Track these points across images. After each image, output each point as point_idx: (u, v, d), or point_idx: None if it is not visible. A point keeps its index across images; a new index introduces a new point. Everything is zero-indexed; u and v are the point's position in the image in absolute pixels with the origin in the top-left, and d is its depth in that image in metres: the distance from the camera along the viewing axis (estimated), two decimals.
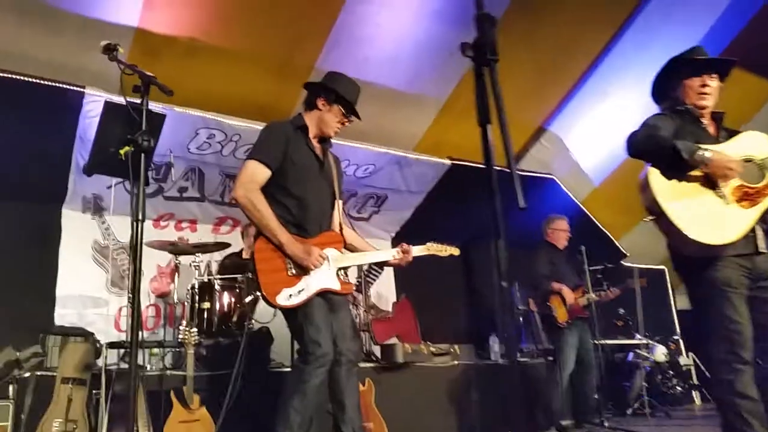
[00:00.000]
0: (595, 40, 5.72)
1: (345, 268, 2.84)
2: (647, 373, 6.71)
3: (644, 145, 2.62)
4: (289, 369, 3.78)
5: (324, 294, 2.68)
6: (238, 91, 5.23)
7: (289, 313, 2.65)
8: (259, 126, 5.51)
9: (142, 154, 2.03)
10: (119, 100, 2.26)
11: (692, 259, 2.60)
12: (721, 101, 2.95)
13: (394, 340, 4.71)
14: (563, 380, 4.97)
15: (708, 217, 2.53)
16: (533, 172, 6.87)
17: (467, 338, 5.99)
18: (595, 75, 6.05)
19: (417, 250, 2.98)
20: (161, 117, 2.42)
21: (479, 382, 4.42)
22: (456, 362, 4.48)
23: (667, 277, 8.64)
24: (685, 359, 7.69)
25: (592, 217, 7.48)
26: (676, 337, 7.76)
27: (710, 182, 2.58)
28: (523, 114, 6.35)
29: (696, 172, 2.57)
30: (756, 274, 2.55)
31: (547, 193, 7.02)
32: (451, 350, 4.53)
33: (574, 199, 7.25)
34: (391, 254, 2.90)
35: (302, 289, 2.61)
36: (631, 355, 6.95)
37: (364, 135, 5.69)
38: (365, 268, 5.41)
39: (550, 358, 5.09)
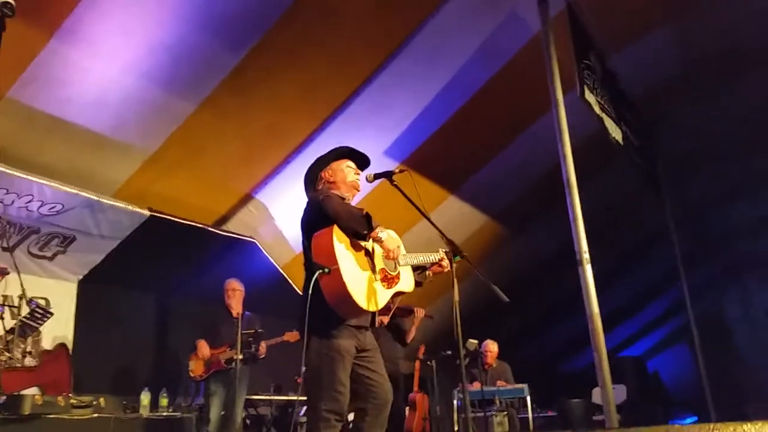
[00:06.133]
0: (300, 129, 6.39)
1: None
2: None
3: None
4: None
5: None
6: None
7: None
8: None
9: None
10: None
11: None
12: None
13: (32, 390, 4.49)
14: None
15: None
16: (237, 234, 7.22)
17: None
18: (301, 156, 6.70)
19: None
20: None
21: None
22: (96, 414, 4.42)
23: None
24: None
25: (290, 280, 8.05)
26: None
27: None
28: (233, 182, 6.75)
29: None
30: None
31: (248, 255, 7.43)
32: (95, 402, 4.47)
33: (274, 263, 7.76)
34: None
35: None
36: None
37: (53, 172, 5.49)
38: (33, 307, 5.16)
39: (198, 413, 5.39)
